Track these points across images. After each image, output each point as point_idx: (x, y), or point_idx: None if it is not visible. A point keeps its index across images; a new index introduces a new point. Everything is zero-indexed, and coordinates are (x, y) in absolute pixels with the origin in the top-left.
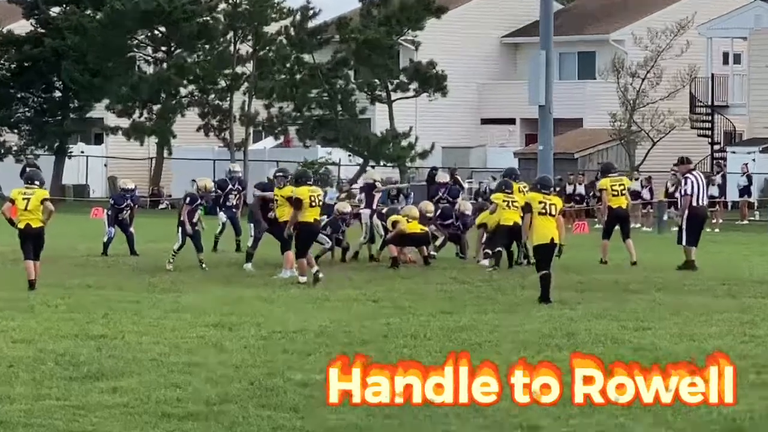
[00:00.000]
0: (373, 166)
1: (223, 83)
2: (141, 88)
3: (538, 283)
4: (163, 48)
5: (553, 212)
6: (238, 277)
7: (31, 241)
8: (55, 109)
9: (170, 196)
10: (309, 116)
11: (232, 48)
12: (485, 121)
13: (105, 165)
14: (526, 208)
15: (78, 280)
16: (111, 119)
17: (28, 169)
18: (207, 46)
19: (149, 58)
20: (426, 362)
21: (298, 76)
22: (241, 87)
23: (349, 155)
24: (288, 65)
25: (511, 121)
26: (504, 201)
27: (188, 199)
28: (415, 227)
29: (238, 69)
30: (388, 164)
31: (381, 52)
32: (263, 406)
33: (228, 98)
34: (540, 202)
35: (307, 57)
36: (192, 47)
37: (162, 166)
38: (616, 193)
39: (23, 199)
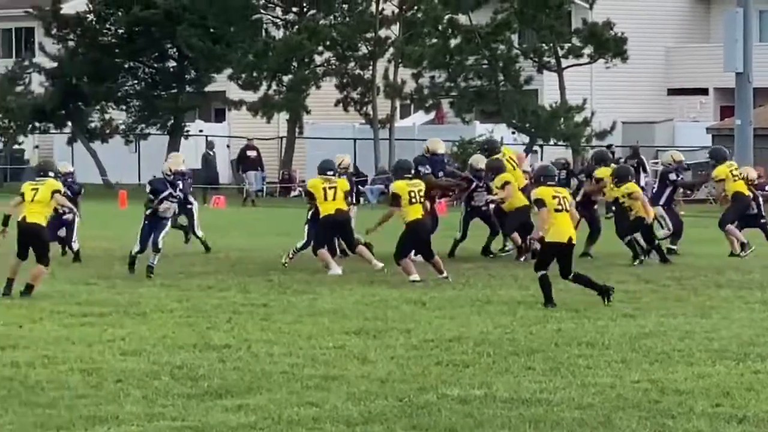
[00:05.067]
0: (541, 146)
1: (364, 49)
2: (269, 56)
3: (539, 284)
4: (294, 9)
5: (567, 207)
6: (382, 276)
7: (26, 239)
8: (168, 81)
9: (303, 181)
10: (465, 87)
11: (374, 8)
12: (673, 92)
13: (227, 146)
14: (539, 204)
15: (197, 281)
16: (234, 92)
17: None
18: (345, 6)
19: (278, 20)
20: (606, 374)
21: (452, 41)
22: (386, 53)
23: (513, 132)
24: (440, 28)
25: (704, 92)
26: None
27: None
28: None
29: (382, 32)
30: (559, 143)
31: (549, 12)
32: (414, 427)
33: (370, 67)
34: (554, 197)
35: (462, 18)
36: (328, 7)
37: (294, 146)
38: None
39: (31, 189)
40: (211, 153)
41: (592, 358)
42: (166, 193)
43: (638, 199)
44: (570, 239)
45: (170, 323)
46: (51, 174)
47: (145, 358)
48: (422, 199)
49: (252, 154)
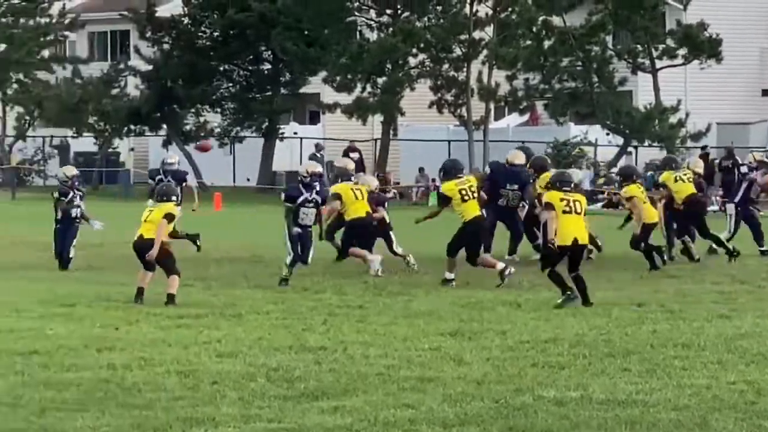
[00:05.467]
0: (635, 147)
1: (458, 51)
2: (363, 58)
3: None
4: (388, 11)
5: (579, 210)
6: (477, 278)
7: (140, 255)
8: (263, 83)
9: (398, 183)
10: (560, 89)
11: (468, 9)
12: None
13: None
14: (548, 207)
15: (292, 282)
16: (328, 95)
17: (162, 185)
18: (439, 8)
19: (372, 23)
20: (702, 376)
21: (546, 43)
22: (480, 55)
23: (608, 134)
24: (534, 29)
25: None
26: None
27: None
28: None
29: (476, 34)
30: (654, 144)
31: (643, 13)
32: (510, 429)
33: (464, 69)
34: (562, 200)
35: (556, 20)
36: (422, 9)
37: (389, 148)
38: None
39: (148, 210)
40: (319, 155)
41: (687, 359)
42: (302, 198)
43: (635, 206)
44: (575, 240)
45: (266, 325)
46: (174, 198)
47: (241, 359)
48: (475, 195)
49: (354, 156)
